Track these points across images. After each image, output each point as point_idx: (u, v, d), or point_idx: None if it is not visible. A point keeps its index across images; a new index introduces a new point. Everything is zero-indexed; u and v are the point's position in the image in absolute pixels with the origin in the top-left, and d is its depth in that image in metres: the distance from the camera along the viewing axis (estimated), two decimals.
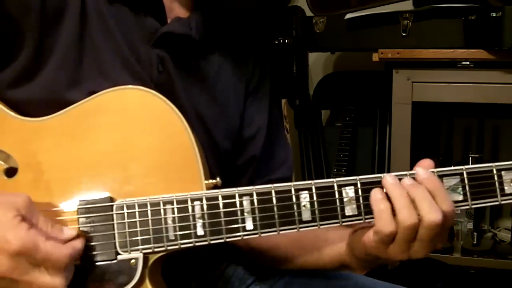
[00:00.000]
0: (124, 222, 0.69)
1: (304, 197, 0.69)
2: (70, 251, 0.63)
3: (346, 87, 2.03)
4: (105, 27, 0.77)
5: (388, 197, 0.68)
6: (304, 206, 0.69)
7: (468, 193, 0.69)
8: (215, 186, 0.72)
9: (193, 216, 0.69)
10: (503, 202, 0.69)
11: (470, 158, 1.77)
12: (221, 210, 0.69)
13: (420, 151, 1.81)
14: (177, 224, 0.68)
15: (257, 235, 0.69)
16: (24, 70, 0.74)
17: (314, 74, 2.10)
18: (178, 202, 0.69)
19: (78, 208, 0.69)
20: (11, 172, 0.71)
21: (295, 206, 0.69)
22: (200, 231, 0.68)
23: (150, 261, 0.69)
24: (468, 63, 1.53)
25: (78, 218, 0.69)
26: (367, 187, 0.69)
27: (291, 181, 0.71)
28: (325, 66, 2.16)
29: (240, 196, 0.69)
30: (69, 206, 0.70)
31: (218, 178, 0.73)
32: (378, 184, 0.69)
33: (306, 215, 0.69)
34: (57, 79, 0.74)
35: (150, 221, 0.69)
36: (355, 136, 1.94)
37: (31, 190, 0.65)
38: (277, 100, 1.47)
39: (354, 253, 0.76)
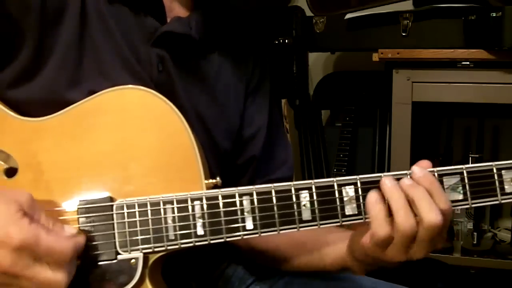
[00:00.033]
0: (124, 222, 0.69)
1: (304, 196, 0.69)
2: (72, 245, 0.62)
3: (346, 87, 2.03)
4: (105, 27, 0.77)
5: (386, 199, 0.68)
6: (304, 205, 0.69)
7: (468, 193, 0.69)
8: (215, 186, 0.72)
9: (193, 215, 0.68)
10: (503, 201, 0.69)
11: (470, 158, 1.77)
12: (221, 209, 0.69)
13: (420, 151, 1.81)
14: (177, 224, 0.68)
15: (257, 235, 0.69)
16: (24, 70, 0.74)
17: (314, 74, 2.10)
18: (178, 201, 0.69)
19: (78, 208, 0.69)
20: (11, 172, 0.71)
21: (295, 205, 0.69)
22: (200, 231, 0.68)
23: (150, 261, 0.69)
24: (468, 63, 1.53)
25: (78, 218, 0.69)
26: (367, 186, 0.69)
27: (291, 181, 0.71)
28: (325, 66, 2.16)
29: (240, 195, 0.69)
30: (69, 206, 0.70)
31: (218, 178, 0.73)
32: (378, 183, 0.69)
33: (306, 215, 0.69)
34: (57, 79, 0.74)
35: (150, 220, 0.69)
36: (355, 136, 1.94)
37: (31, 190, 0.65)
38: (277, 100, 1.47)
39: (354, 255, 0.76)
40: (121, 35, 0.78)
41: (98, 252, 0.68)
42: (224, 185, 0.72)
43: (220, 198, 0.69)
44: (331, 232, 0.82)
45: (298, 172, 1.92)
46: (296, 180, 0.71)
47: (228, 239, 0.69)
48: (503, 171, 0.69)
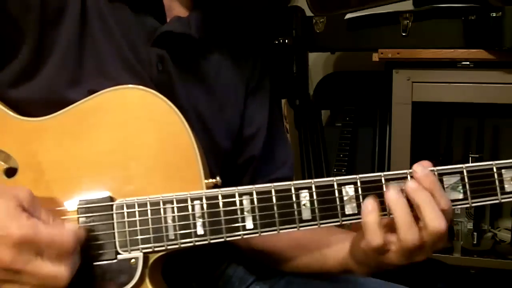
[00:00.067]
0: (124, 222, 0.68)
1: (304, 196, 0.69)
2: (72, 236, 0.61)
3: (346, 87, 2.03)
4: (105, 27, 0.77)
5: (388, 211, 0.68)
6: (304, 205, 0.69)
7: (468, 192, 0.69)
8: (215, 186, 0.72)
9: (193, 215, 0.68)
10: (503, 200, 0.69)
11: (470, 158, 1.77)
12: (221, 209, 0.69)
13: (420, 151, 1.81)
14: (177, 223, 0.68)
15: (257, 234, 0.69)
16: (24, 69, 0.74)
17: (314, 74, 2.10)
18: (178, 201, 0.69)
19: (78, 208, 0.69)
20: (11, 172, 0.70)
21: (295, 205, 0.69)
22: (200, 231, 0.68)
23: (150, 261, 0.69)
24: (468, 63, 1.53)
25: (78, 217, 0.69)
26: (367, 185, 0.69)
27: (291, 181, 0.70)
28: (325, 66, 2.16)
29: (240, 195, 0.69)
30: (69, 205, 0.69)
31: (218, 178, 0.73)
32: (378, 182, 0.69)
33: (306, 214, 0.69)
34: (57, 78, 0.74)
35: (150, 220, 0.68)
36: (355, 136, 1.94)
37: (31, 190, 0.65)
38: (277, 100, 1.47)
39: (356, 258, 0.75)
40: (121, 34, 0.78)
41: (98, 251, 0.68)
42: (224, 185, 0.72)
43: (220, 197, 0.69)
44: (333, 234, 0.82)
45: (298, 172, 1.92)
46: (296, 180, 0.71)
47: (228, 239, 0.69)
48: (503, 170, 0.69)
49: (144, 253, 0.68)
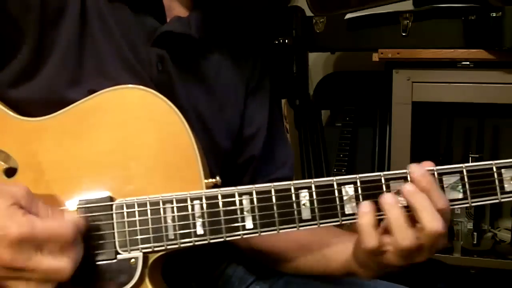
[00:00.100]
0: (124, 222, 0.68)
1: (304, 195, 0.69)
2: (72, 226, 0.61)
3: (346, 87, 2.03)
4: (105, 27, 0.77)
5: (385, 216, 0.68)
6: (303, 204, 0.69)
7: (468, 191, 0.69)
8: (215, 185, 0.72)
9: (193, 215, 0.68)
10: (503, 200, 0.69)
11: (470, 158, 1.77)
12: (221, 209, 0.69)
13: (420, 151, 1.81)
14: (177, 223, 0.68)
15: (257, 234, 0.69)
16: (24, 69, 0.74)
17: (314, 74, 2.10)
18: (178, 201, 0.69)
19: (78, 208, 0.69)
20: (11, 172, 0.70)
21: (294, 204, 0.69)
22: (199, 230, 0.68)
23: (150, 261, 0.69)
24: (468, 63, 1.53)
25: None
26: (367, 185, 0.69)
27: (292, 181, 0.70)
28: (325, 66, 2.16)
29: (240, 195, 0.69)
30: (69, 205, 0.69)
31: (218, 177, 0.73)
32: (378, 182, 0.68)
33: (306, 214, 0.69)
34: (57, 78, 0.74)
35: (149, 220, 0.68)
36: (355, 136, 1.94)
37: (31, 190, 0.65)
38: (277, 100, 1.47)
39: (358, 261, 0.75)
40: (121, 34, 0.78)
41: (98, 251, 0.68)
42: (224, 185, 0.72)
43: (219, 197, 0.69)
44: (335, 235, 0.82)
45: (298, 172, 1.92)
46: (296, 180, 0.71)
47: (228, 239, 0.69)
48: (502, 170, 0.69)
49: (144, 253, 0.68)
